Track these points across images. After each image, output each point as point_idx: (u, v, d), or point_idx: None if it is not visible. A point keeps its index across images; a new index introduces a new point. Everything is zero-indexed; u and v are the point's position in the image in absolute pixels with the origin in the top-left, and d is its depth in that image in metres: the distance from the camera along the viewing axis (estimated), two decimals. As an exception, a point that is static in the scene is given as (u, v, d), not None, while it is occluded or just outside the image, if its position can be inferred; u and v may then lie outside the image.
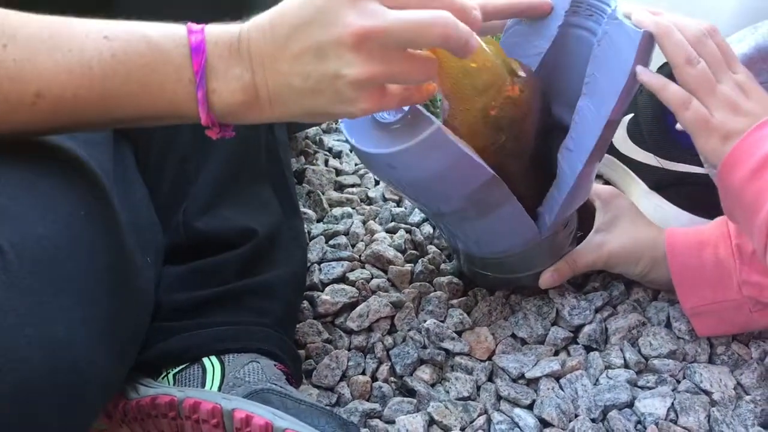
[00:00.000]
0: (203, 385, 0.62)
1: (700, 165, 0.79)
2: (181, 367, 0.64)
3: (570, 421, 0.70)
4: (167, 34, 0.51)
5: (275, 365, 0.65)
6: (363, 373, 0.75)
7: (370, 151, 0.64)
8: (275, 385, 0.61)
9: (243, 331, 0.66)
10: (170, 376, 0.64)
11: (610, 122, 0.65)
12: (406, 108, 0.62)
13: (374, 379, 0.75)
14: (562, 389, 0.73)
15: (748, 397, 0.72)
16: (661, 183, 0.86)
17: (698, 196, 0.83)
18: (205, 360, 0.64)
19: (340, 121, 0.69)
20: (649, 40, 0.62)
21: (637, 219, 0.80)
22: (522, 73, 0.67)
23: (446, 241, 0.86)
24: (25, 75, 0.48)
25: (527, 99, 0.68)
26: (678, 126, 0.64)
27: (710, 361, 0.76)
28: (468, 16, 0.52)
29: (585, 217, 0.81)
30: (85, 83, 0.49)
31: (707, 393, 0.72)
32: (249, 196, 0.74)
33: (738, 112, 0.61)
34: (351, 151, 1.00)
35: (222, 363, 0.63)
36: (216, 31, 0.52)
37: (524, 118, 0.68)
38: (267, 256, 0.73)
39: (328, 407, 0.66)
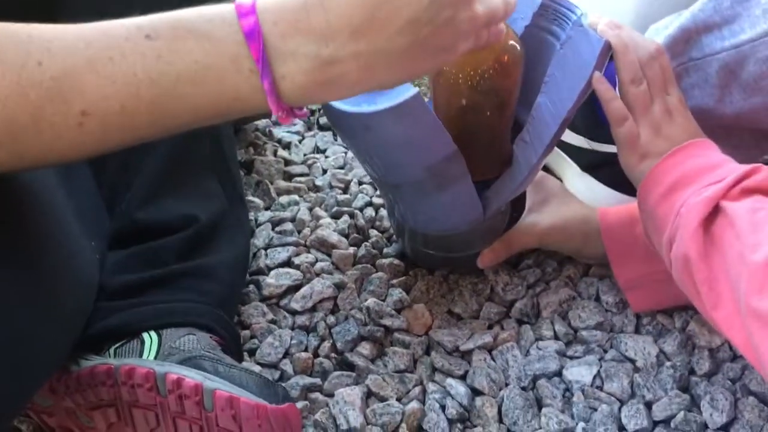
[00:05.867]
0: (141, 355, 0.64)
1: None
2: (121, 342, 0.67)
3: (500, 390, 0.73)
4: (215, 22, 0.45)
5: (211, 337, 0.67)
6: (305, 350, 0.78)
7: (348, 110, 0.64)
8: (209, 353, 0.63)
9: (181, 308, 0.69)
10: (111, 350, 0.67)
11: (565, 119, 0.69)
12: None
13: (316, 355, 0.77)
14: (494, 360, 0.76)
15: (668, 363, 0.75)
16: (591, 164, 0.89)
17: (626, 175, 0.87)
18: (144, 334, 0.66)
19: None
20: (608, 49, 0.67)
21: (566, 198, 0.83)
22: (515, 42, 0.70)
23: (390, 219, 0.88)
24: (66, 93, 0.43)
25: (518, 62, 0.71)
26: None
27: (636, 331, 0.79)
28: None
29: (516, 198, 0.84)
30: (132, 93, 0.44)
31: (631, 361, 0.76)
32: (192, 186, 0.76)
33: (659, 135, 0.67)
34: (300, 142, 1.03)
35: (160, 336, 0.66)
36: (272, 6, 0.45)
37: (511, 83, 0.71)
38: (208, 241, 0.75)
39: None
